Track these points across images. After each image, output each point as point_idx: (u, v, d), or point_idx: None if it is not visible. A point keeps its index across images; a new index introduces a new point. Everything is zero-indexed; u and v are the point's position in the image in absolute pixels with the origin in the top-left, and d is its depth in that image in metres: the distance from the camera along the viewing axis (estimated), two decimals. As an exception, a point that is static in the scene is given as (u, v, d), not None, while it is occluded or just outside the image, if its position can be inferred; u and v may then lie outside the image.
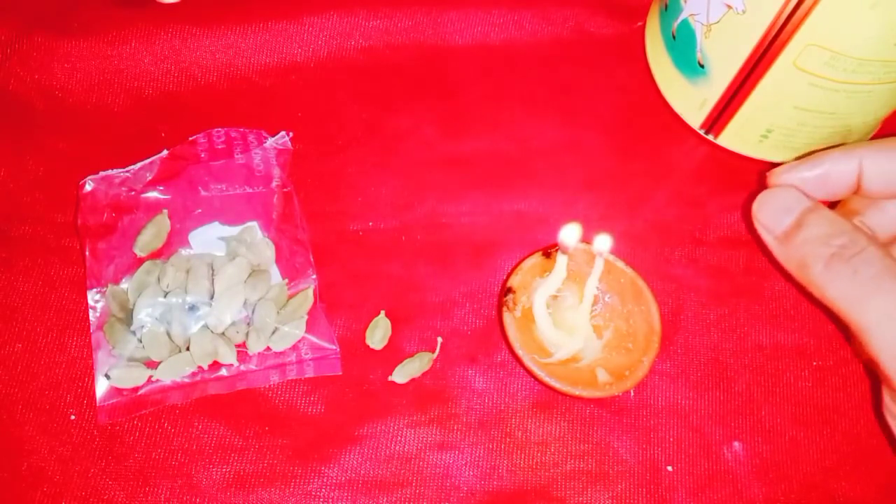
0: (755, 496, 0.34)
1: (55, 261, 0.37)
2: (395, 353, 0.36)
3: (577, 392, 0.32)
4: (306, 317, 0.35)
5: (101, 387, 0.34)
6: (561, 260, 0.33)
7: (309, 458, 0.34)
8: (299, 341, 0.35)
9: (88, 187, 0.37)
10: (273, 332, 0.35)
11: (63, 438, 0.33)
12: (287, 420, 0.34)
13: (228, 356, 0.34)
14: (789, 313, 0.37)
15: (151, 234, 0.36)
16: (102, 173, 0.37)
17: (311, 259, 0.37)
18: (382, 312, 0.36)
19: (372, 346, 0.36)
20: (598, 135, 0.41)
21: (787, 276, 0.32)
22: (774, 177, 0.33)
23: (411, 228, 0.38)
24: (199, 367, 0.34)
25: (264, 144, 0.39)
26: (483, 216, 0.39)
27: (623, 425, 0.35)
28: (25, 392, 0.34)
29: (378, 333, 0.36)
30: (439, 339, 0.36)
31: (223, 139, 0.39)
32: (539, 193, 0.39)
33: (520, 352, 0.33)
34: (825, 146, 0.38)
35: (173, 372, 0.34)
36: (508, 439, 0.34)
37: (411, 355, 0.35)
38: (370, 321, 0.36)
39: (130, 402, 0.34)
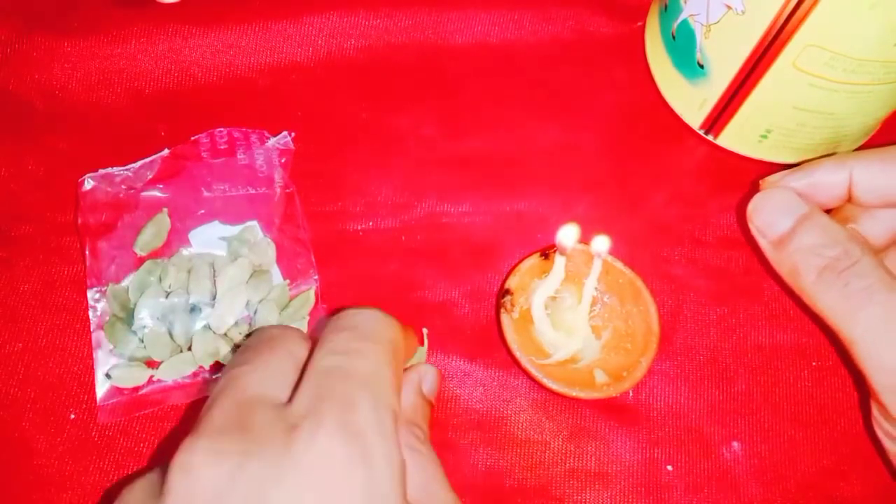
0: (754, 496, 0.34)
1: (55, 260, 0.37)
2: (394, 353, 0.36)
3: (574, 394, 0.32)
4: (308, 318, 0.36)
5: (102, 386, 0.34)
6: (559, 261, 0.34)
7: (309, 457, 0.34)
8: (300, 342, 0.35)
9: (88, 185, 0.37)
10: (274, 333, 0.35)
11: (63, 438, 0.33)
12: (287, 420, 0.34)
13: (230, 356, 0.34)
14: (789, 313, 0.37)
15: (151, 234, 0.36)
16: (102, 171, 0.37)
17: (313, 260, 0.37)
18: (382, 313, 0.36)
19: (372, 345, 0.36)
20: (598, 135, 0.41)
21: (780, 279, 0.32)
22: (766, 186, 0.33)
23: (411, 228, 0.38)
24: (201, 367, 0.34)
25: (266, 144, 0.39)
26: (483, 216, 0.39)
27: (622, 425, 0.35)
28: (25, 392, 0.34)
29: (378, 333, 0.36)
30: (425, 331, 0.36)
31: (226, 139, 0.39)
32: (539, 193, 0.39)
33: (517, 353, 0.33)
34: (825, 146, 0.38)
35: (175, 372, 0.34)
36: (507, 439, 0.34)
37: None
38: (370, 321, 0.36)
39: (131, 402, 0.34)
